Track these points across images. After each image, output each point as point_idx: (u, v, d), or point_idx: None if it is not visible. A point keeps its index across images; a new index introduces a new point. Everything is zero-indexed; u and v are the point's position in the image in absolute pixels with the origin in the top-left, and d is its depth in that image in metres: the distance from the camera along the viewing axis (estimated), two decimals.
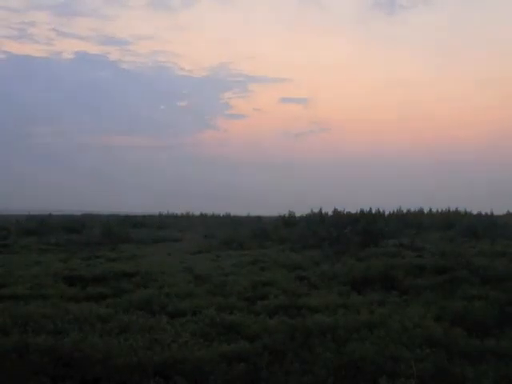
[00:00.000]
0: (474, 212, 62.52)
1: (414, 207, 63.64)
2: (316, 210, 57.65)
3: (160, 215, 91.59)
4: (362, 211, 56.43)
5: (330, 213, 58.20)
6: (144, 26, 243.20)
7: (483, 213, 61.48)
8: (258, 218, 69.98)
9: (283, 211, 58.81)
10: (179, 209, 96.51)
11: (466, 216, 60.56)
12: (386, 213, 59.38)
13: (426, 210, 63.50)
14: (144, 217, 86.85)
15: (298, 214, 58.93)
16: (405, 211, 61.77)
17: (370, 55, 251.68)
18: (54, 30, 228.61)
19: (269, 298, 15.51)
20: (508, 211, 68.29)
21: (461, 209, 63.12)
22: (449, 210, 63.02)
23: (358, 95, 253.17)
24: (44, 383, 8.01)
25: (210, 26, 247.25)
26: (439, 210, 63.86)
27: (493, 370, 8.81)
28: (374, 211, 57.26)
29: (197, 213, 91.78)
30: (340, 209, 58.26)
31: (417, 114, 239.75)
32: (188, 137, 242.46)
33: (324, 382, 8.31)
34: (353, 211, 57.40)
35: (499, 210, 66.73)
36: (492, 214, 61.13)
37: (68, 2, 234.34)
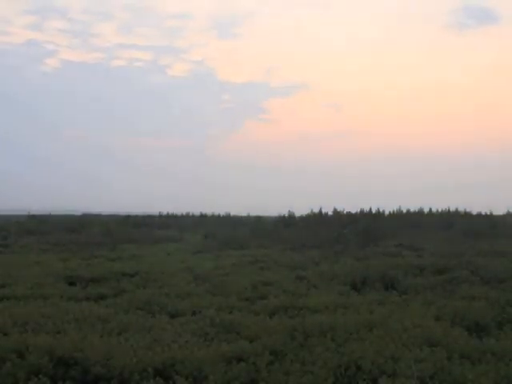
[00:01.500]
0: (474, 212, 62.50)
1: (413, 207, 63.58)
2: (316, 210, 57.75)
3: (160, 215, 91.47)
4: (361, 211, 56.48)
5: (330, 213, 58.26)
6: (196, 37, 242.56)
7: (483, 213, 61.47)
8: (258, 218, 69.87)
9: (283, 211, 58.84)
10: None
11: (465, 216, 60.52)
12: (386, 213, 59.38)
13: (425, 210, 63.39)
14: (144, 217, 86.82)
15: (297, 214, 58.97)
16: (405, 211, 61.70)
17: None
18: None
19: (268, 297, 15.52)
20: (508, 211, 68.23)
21: (460, 209, 63.10)
22: (449, 210, 62.91)
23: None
24: (43, 383, 8.00)
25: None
26: (439, 210, 63.77)
27: (493, 370, 8.80)
28: (373, 211, 57.34)
29: (197, 213, 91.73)
30: (340, 209, 58.37)
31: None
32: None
33: (324, 382, 8.30)
34: (353, 211, 57.54)
35: (499, 210, 66.73)
36: (492, 214, 61.10)
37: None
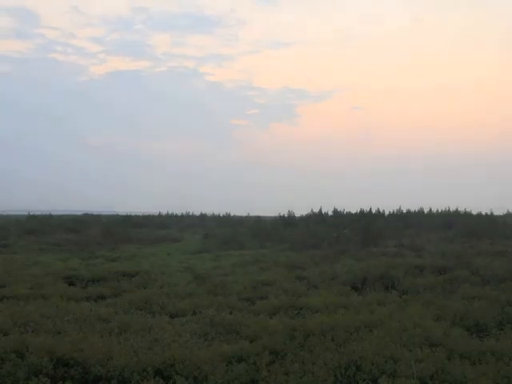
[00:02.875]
0: (474, 212, 62.55)
1: (414, 207, 63.67)
2: (316, 210, 57.81)
3: (160, 215, 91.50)
4: (362, 211, 56.50)
5: (330, 213, 58.33)
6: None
7: (483, 213, 61.52)
8: (258, 218, 69.92)
9: (283, 211, 58.88)
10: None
11: (465, 216, 60.56)
12: (386, 213, 59.46)
13: (425, 210, 63.49)
14: (144, 217, 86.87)
15: (298, 214, 59.03)
16: (405, 211, 61.79)
17: None
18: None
19: (269, 297, 15.53)
20: (508, 211, 68.29)
21: (460, 209, 63.16)
22: (449, 210, 63.02)
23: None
24: (43, 383, 8.00)
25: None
26: (439, 210, 63.87)
27: (493, 370, 8.80)
28: (374, 211, 57.39)
29: (197, 213, 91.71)
30: (340, 209, 58.45)
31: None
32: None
33: (324, 382, 8.30)
34: (353, 211, 57.60)
35: (499, 210, 66.80)
36: (492, 214, 61.14)
37: None
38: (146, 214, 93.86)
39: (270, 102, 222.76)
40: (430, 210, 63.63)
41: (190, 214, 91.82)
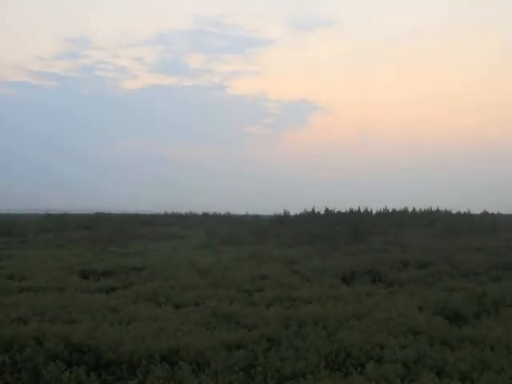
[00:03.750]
0: (454, 211, 62.63)
1: (398, 206, 63.63)
2: (309, 209, 57.74)
3: (166, 214, 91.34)
4: (351, 210, 56.49)
5: (322, 212, 58.26)
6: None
7: (462, 212, 61.62)
8: (256, 217, 69.85)
9: (279, 210, 58.83)
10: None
11: (446, 215, 60.66)
12: (374, 212, 59.42)
13: (409, 209, 63.45)
14: (152, 215, 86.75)
15: (292, 213, 58.95)
16: (390, 210, 61.76)
17: None
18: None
19: (265, 290, 15.53)
20: (484, 210, 68.42)
21: (441, 208, 63.22)
22: (431, 209, 63.04)
23: None
24: (60, 368, 8.01)
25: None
26: (422, 209, 63.87)
27: (470, 355, 8.83)
28: (362, 210, 57.37)
29: (199, 212, 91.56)
30: (331, 208, 58.37)
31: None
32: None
33: (316, 367, 8.31)
34: (343, 210, 57.53)
35: (476, 209, 66.91)
36: (470, 213, 61.25)
37: None
38: (153, 213, 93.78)
39: (284, 112, 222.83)
40: (414, 209, 63.57)
41: (193, 213, 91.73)
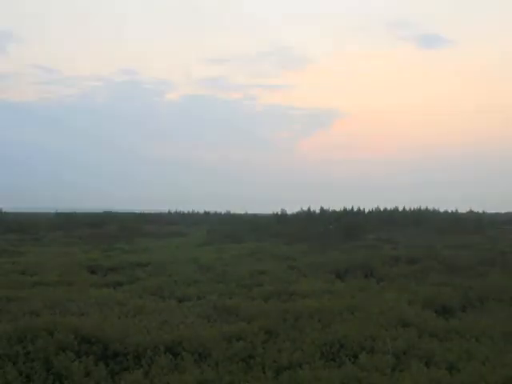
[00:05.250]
0: (441, 210, 62.76)
1: (389, 206, 63.66)
2: (305, 208, 57.74)
3: (169, 213, 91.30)
4: (345, 209, 56.50)
5: (318, 211, 58.25)
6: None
7: (449, 210, 61.73)
8: (255, 216, 69.80)
9: (276, 209, 58.77)
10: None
11: (434, 213, 60.73)
12: (366, 211, 59.44)
13: (400, 208, 63.52)
14: (156, 214, 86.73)
15: (289, 212, 58.93)
16: (382, 209, 61.79)
17: None
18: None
19: (264, 284, 15.52)
20: (470, 209, 68.57)
21: (430, 207, 63.31)
22: (420, 208, 63.10)
23: None
24: (70, 358, 8.02)
25: None
26: (411, 208, 63.92)
27: (457, 346, 8.85)
28: (355, 209, 57.37)
29: (201, 210, 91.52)
30: (326, 207, 58.37)
31: None
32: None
33: (311, 358, 8.33)
34: (337, 209, 57.53)
35: (463, 208, 67.08)
36: (457, 212, 61.37)
37: None
38: (158, 211, 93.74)
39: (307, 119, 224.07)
40: (404, 208, 63.68)
41: (196, 212, 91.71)
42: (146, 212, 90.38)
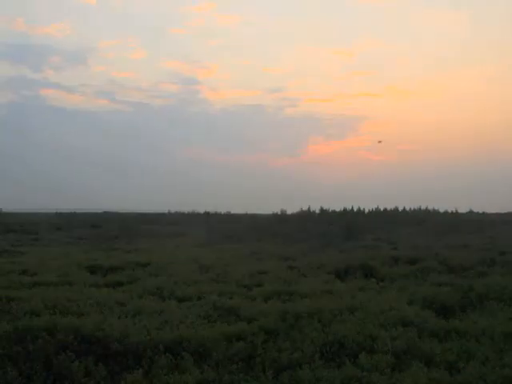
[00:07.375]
0: (441, 210, 62.77)
1: (389, 206, 63.71)
2: (305, 208, 57.81)
3: (170, 213, 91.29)
4: (345, 209, 56.58)
5: (318, 211, 58.32)
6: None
7: (449, 211, 61.74)
8: (254, 216, 69.81)
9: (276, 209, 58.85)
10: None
11: (434, 213, 60.76)
12: (366, 211, 59.50)
13: (400, 209, 63.56)
14: (156, 214, 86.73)
15: (289, 212, 58.98)
16: (382, 209, 61.84)
17: None
18: None
19: (264, 284, 15.50)
20: (470, 209, 68.54)
21: (430, 207, 63.36)
22: (420, 209, 63.18)
23: None
24: (70, 357, 8.02)
25: None
26: (412, 209, 63.98)
27: (456, 346, 8.85)
28: (355, 209, 57.45)
29: (201, 211, 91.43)
30: (326, 207, 58.43)
31: None
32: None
33: (311, 358, 8.33)
34: (337, 209, 57.60)
35: (463, 209, 67.03)
36: (457, 212, 61.36)
37: None
38: (158, 212, 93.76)
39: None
40: (404, 208, 63.74)
41: (196, 212, 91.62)
42: (146, 212, 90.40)
